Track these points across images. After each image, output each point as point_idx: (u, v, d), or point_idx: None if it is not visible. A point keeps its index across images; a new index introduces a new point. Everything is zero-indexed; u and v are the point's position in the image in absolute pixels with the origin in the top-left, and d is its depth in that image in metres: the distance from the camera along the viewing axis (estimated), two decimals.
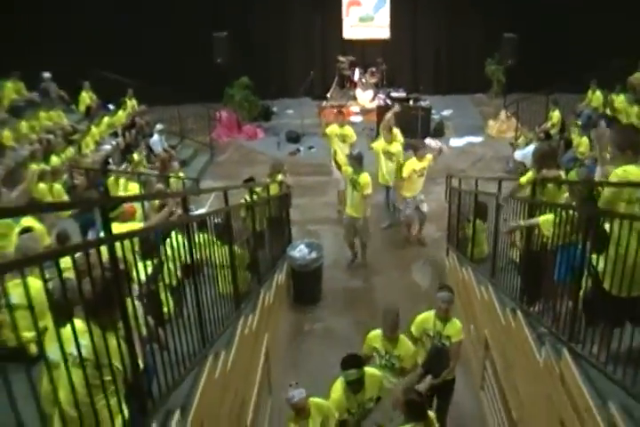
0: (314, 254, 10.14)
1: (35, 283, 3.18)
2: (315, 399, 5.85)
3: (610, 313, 4.65)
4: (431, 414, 5.25)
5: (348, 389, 5.96)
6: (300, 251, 10.15)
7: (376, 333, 6.73)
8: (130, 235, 3.75)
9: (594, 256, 4.96)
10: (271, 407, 7.84)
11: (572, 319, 5.09)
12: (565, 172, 9.63)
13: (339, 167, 11.11)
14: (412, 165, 11.28)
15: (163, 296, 4.93)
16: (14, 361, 2.83)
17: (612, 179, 4.66)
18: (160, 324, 4.83)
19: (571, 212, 5.21)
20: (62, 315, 3.18)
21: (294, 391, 5.62)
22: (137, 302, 3.91)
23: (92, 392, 3.19)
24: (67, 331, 3.10)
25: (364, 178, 10.20)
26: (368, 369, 6.11)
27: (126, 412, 3.60)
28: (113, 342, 3.39)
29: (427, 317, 6.67)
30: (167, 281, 4.83)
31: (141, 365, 3.72)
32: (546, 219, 5.81)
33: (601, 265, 4.80)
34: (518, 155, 14.03)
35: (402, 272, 11.18)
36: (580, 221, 5.04)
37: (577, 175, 9.92)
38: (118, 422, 3.48)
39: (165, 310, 5.15)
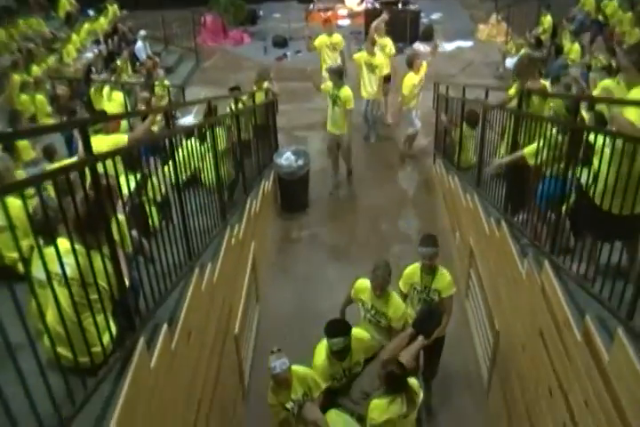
0: (300, 162, 10.17)
1: (15, 202, 3.18)
2: (297, 369, 5.38)
3: (594, 225, 4.69)
4: (414, 382, 5.06)
5: (332, 356, 5.48)
6: (286, 159, 10.14)
7: (365, 283, 6.05)
8: (111, 154, 3.70)
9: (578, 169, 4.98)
10: (258, 315, 8.01)
11: (554, 232, 5.15)
12: (555, 79, 9.56)
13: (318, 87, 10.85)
14: (411, 80, 10.95)
15: (148, 209, 4.92)
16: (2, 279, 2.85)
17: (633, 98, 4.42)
18: (145, 236, 4.86)
19: (554, 132, 5.19)
20: (45, 235, 3.18)
21: (276, 362, 5.10)
22: (121, 217, 3.90)
23: (79, 310, 3.23)
24: (51, 250, 3.10)
25: (345, 91, 9.93)
26: (355, 333, 5.55)
27: (114, 328, 3.67)
28: (98, 261, 3.40)
29: (413, 270, 6.21)
30: (151, 195, 4.83)
31: (127, 283, 3.75)
32: (530, 149, 5.76)
33: (584, 177, 4.81)
34: (510, 62, 13.81)
35: (388, 180, 11.30)
36: (563, 136, 5.01)
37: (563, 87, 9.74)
38: (106, 338, 3.55)
39: (151, 222, 5.15)
